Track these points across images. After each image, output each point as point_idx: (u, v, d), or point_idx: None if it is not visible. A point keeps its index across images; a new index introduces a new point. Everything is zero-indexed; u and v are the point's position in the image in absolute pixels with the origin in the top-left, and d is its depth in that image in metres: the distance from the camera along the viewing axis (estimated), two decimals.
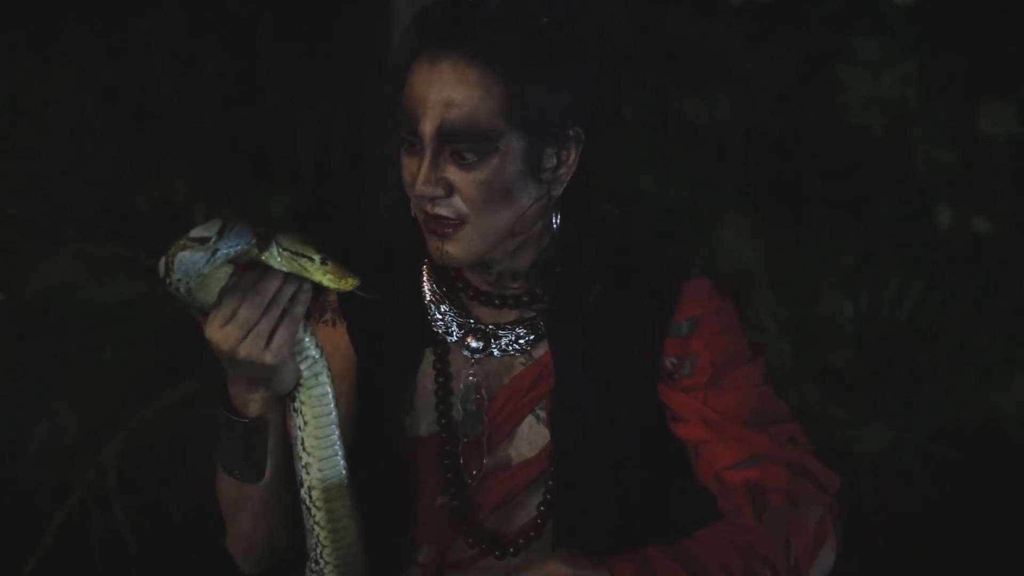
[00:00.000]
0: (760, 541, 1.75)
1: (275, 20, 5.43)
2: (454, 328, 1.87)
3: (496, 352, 1.86)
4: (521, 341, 1.86)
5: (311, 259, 1.69)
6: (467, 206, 1.78)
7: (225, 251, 1.68)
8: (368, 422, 1.90)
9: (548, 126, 1.79)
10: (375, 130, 1.83)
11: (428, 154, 1.77)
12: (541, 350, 1.87)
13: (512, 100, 1.76)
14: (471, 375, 1.87)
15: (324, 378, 1.76)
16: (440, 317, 1.88)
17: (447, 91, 1.75)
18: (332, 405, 1.77)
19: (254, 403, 1.77)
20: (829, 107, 5.35)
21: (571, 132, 1.81)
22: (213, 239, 1.69)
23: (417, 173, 1.78)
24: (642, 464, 1.84)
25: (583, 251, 1.84)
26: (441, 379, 1.87)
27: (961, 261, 5.19)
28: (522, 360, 1.87)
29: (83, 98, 4.71)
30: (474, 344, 1.86)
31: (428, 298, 1.89)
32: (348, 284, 1.70)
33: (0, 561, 3.39)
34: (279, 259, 1.69)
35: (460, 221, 1.78)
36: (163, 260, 1.71)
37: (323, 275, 1.69)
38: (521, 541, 1.86)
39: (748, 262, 5.17)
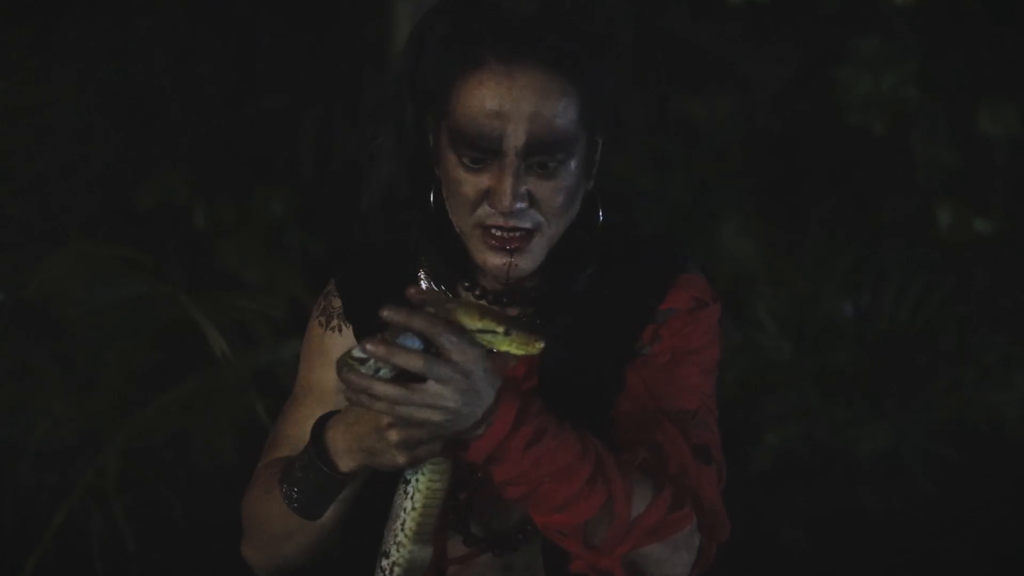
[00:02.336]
0: (622, 481, 1.71)
1: (275, 20, 5.43)
2: None
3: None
4: None
5: (495, 332, 1.66)
6: (545, 214, 1.77)
7: (386, 370, 1.67)
8: None
9: (600, 124, 1.81)
10: (370, 132, 1.78)
11: (513, 168, 1.73)
12: None
13: (584, 104, 1.76)
14: None
15: (448, 475, 1.76)
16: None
17: (532, 103, 1.72)
18: (442, 499, 1.77)
19: (352, 463, 1.75)
20: (829, 107, 5.35)
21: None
22: (373, 360, 1.67)
23: (498, 188, 1.74)
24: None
25: (591, 244, 1.84)
26: None
27: (961, 261, 5.20)
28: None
29: (83, 98, 4.71)
30: None
31: None
32: (535, 348, 1.66)
33: (0, 561, 3.39)
34: None
35: (534, 230, 1.77)
36: (336, 363, 1.71)
37: (509, 345, 1.66)
38: (520, 537, 1.86)
39: (748, 262, 5.17)
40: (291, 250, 5.20)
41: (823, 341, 4.90)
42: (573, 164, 1.77)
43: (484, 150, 1.74)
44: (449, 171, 1.78)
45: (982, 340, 4.91)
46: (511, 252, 1.77)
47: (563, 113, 1.74)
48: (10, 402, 3.79)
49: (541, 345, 1.66)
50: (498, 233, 1.77)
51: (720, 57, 5.49)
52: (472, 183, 1.76)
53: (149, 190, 5.11)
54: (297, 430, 1.93)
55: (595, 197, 1.83)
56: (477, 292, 1.86)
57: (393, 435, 1.68)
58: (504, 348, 1.67)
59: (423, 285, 1.89)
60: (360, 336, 1.90)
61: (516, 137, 1.73)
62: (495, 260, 1.78)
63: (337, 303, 1.93)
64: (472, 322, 1.66)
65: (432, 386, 1.62)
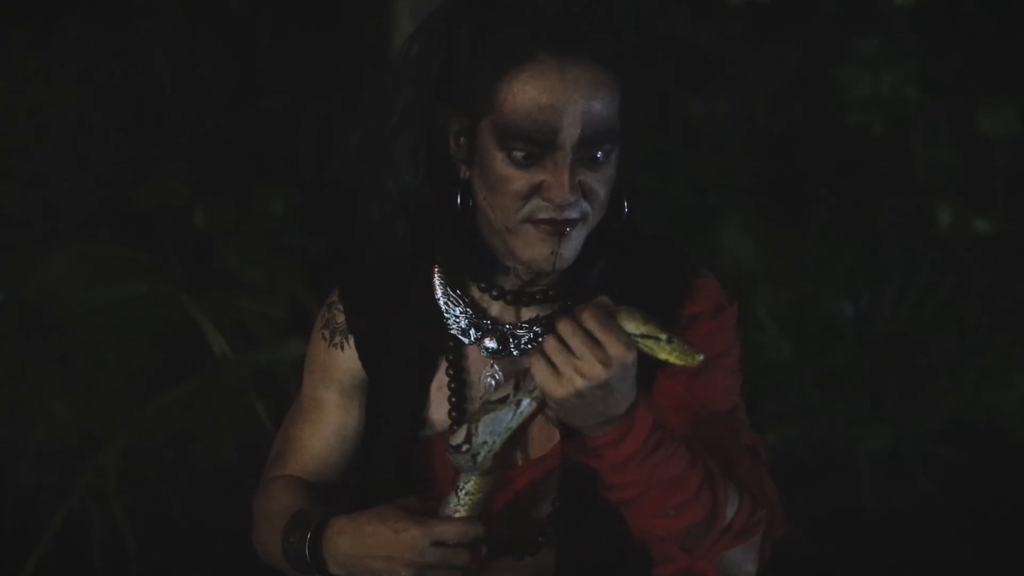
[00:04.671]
0: (724, 489, 1.76)
1: (275, 20, 5.43)
2: (471, 331, 1.87)
3: (515, 352, 1.86)
4: (540, 340, 1.85)
5: (657, 339, 1.67)
6: (592, 206, 1.78)
7: (528, 400, 1.70)
8: (381, 425, 1.91)
9: (631, 117, 1.82)
10: (381, 137, 1.73)
11: (569, 163, 1.74)
12: None
13: (623, 95, 1.78)
14: (489, 376, 1.87)
15: None
16: (456, 319, 1.87)
17: (586, 97, 1.73)
18: None
19: (341, 571, 1.79)
20: (829, 107, 5.35)
21: None
22: (511, 394, 1.71)
23: (555, 182, 1.73)
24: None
25: (609, 239, 1.84)
26: (454, 384, 1.87)
27: (961, 261, 5.20)
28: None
29: (83, 98, 4.71)
30: (490, 344, 1.86)
31: (442, 301, 1.89)
32: (695, 360, 1.67)
33: (0, 561, 3.39)
34: None
35: (580, 220, 1.77)
36: (464, 429, 1.73)
37: (669, 353, 1.67)
38: (540, 540, 1.86)
39: (748, 262, 5.17)
40: (291, 250, 5.19)
41: (823, 341, 4.90)
42: (614, 156, 1.78)
43: (540, 144, 1.73)
44: (495, 169, 1.76)
45: (982, 340, 4.91)
46: (559, 236, 1.76)
47: (610, 104, 1.75)
48: (10, 402, 3.79)
49: (701, 357, 1.67)
50: (548, 227, 1.76)
51: (720, 57, 5.49)
52: (524, 179, 1.75)
53: (149, 190, 5.10)
54: (300, 444, 1.95)
55: (619, 191, 1.84)
56: (494, 292, 1.86)
57: (404, 573, 1.73)
58: (663, 356, 1.67)
59: (438, 289, 1.89)
60: (362, 348, 1.91)
61: (572, 130, 1.73)
62: (542, 250, 1.77)
63: (341, 318, 1.93)
64: (636, 326, 1.66)
65: (576, 362, 1.64)
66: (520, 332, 1.85)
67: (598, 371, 1.64)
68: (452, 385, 1.87)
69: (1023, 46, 5.25)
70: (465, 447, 1.73)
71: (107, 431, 3.53)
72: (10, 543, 3.47)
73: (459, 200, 1.81)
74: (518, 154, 1.74)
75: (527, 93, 1.73)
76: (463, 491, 1.77)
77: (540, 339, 1.84)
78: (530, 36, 1.74)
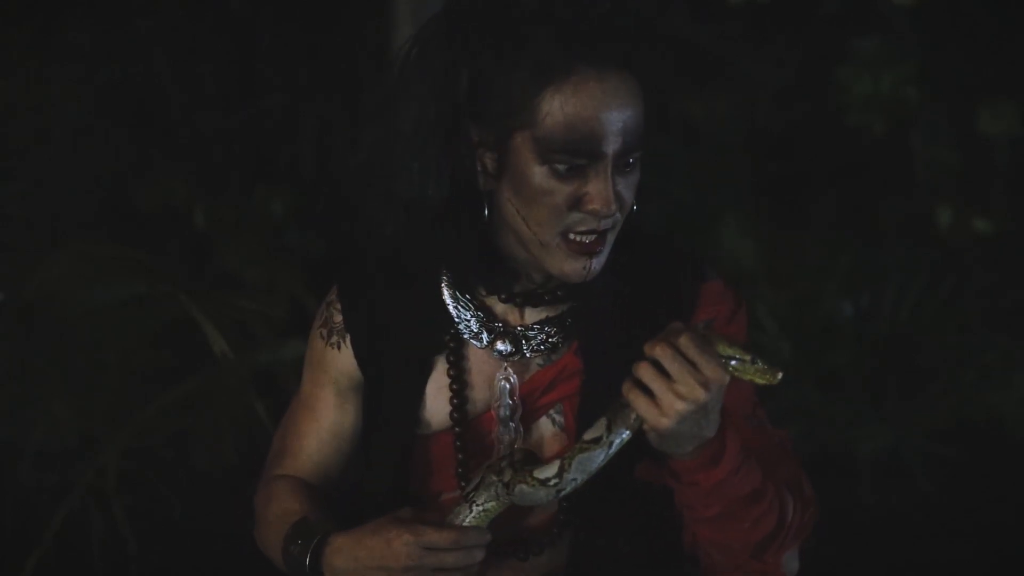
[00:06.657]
0: (788, 494, 1.81)
1: (275, 20, 5.43)
2: (483, 334, 1.86)
3: (528, 354, 1.86)
4: (551, 341, 1.86)
5: (743, 360, 1.71)
6: (622, 212, 1.79)
7: (618, 441, 1.73)
8: (379, 424, 1.91)
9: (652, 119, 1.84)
10: (402, 154, 1.70)
11: (610, 173, 1.74)
12: (559, 351, 1.87)
13: (646, 100, 1.78)
14: (503, 380, 1.86)
15: None
16: (467, 323, 1.87)
17: (624, 106, 1.73)
18: None
19: None
20: (829, 107, 5.35)
21: None
22: (604, 435, 1.73)
23: (599, 192, 1.73)
24: (661, 460, 1.84)
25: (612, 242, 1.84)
26: (456, 385, 1.87)
27: (961, 261, 5.20)
28: (539, 361, 1.87)
29: (83, 98, 4.72)
30: (503, 347, 1.86)
31: (452, 306, 1.88)
32: (776, 378, 1.72)
33: (0, 561, 3.39)
34: None
35: (611, 228, 1.78)
36: (555, 464, 1.74)
37: (754, 374, 1.72)
38: (545, 540, 1.86)
39: (748, 262, 5.17)
40: (291, 250, 5.20)
41: (823, 341, 4.89)
42: (639, 160, 1.79)
43: (585, 155, 1.73)
44: (534, 183, 1.75)
45: (982, 340, 4.91)
46: (590, 256, 1.77)
47: (640, 111, 1.76)
48: (10, 402, 3.79)
49: (780, 375, 1.71)
50: (580, 239, 1.76)
51: (720, 57, 5.49)
52: (565, 191, 1.75)
53: (149, 190, 5.11)
54: (297, 442, 1.96)
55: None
56: (503, 296, 1.85)
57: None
58: (748, 376, 1.71)
59: (445, 296, 1.88)
60: (359, 348, 1.91)
61: (614, 140, 1.73)
62: (574, 265, 1.78)
63: (338, 317, 1.92)
64: (723, 348, 1.70)
65: (676, 386, 1.66)
66: (531, 334, 1.85)
67: (699, 394, 1.65)
68: (454, 386, 1.86)
69: (1023, 46, 5.25)
70: (554, 482, 1.74)
71: (107, 431, 3.52)
72: (10, 543, 3.47)
73: (486, 212, 1.80)
74: (560, 167, 1.74)
75: (570, 106, 1.72)
76: (480, 507, 1.77)
77: (552, 340, 1.85)
78: (566, 49, 1.72)
